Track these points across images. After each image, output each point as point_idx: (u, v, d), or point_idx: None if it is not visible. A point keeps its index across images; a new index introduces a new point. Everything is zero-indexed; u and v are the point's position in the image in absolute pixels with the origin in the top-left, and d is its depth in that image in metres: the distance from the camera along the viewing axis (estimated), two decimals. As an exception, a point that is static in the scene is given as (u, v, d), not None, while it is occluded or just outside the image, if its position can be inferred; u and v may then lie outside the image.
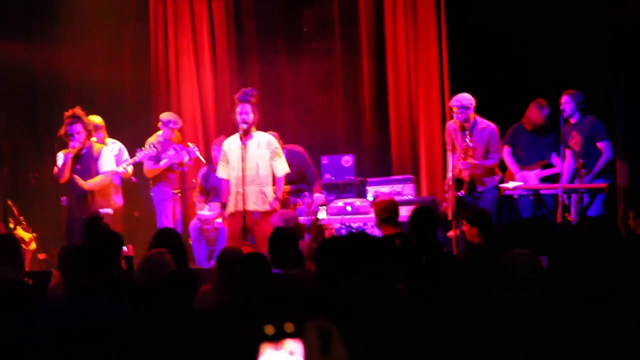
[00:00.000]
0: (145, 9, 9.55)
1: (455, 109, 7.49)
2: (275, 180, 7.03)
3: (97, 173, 7.26)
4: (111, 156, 7.56)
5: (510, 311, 3.75)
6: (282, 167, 7.06)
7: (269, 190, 6.98)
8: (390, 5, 9.11)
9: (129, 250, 6.09)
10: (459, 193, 7.31)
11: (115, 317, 3.86)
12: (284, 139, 7.88)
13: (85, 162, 7.23)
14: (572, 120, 7.35)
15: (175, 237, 5.43)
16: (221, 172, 7.15)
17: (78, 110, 7.17)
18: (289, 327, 2.09)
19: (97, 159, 7.27)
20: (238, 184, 6.87)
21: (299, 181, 7.96)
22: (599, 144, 7.22)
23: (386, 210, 5.87)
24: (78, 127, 7.12)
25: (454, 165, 7.41)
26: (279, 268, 4.69)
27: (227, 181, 7.07)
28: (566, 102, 7.28)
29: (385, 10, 9.13)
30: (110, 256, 5.12)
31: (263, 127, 7.24)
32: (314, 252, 4.43)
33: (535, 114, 7.75)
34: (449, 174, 7.48)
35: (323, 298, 3.96)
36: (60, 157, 7.20)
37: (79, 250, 4.18)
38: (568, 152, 7.36)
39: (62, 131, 7.17)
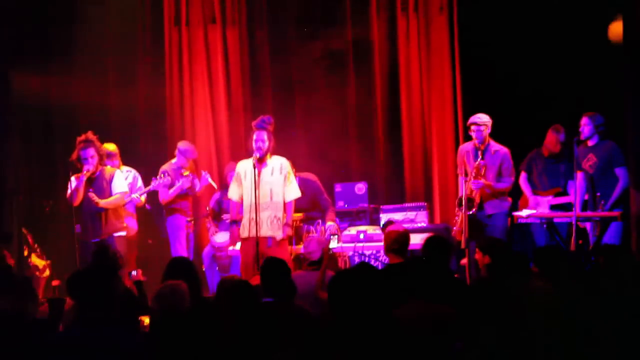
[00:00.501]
0: (161, 37, 9.64)
1: (474, 127, 7.50)
2: (285, 206, 7.07)
3: (111, 194, 7.35)
4: (123, 178, 7.65)
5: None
6: (293, 192, 7.09)
7: (283, 216, 7.02)
8: (404, 34, 9.17)
9: (139, 275, 6.11)
10: (470, 212, 7.29)
11: (127, 343, 3.88)
12: (297, 166, 7.91)
13: (98, 185, 7.33)
14: (590, 143, 7.33)
15: (189, 266, 5.46)
16: (233, 193, 7.20)
17: (90, 135, 7.27)
18: None
19: (109, 181, 7.38)
20: (251, 210, 6.90)
21: (311, 209, 7.98)
22: (617, 170, 7.19)
23: (397, 242, 5.86)
24: (91, 151, 7.21)
25: (466, 186, 7.40)
26: (271, 297, 4.72)
27: (236, 202, 7.14)
28: (585, 124, 7.27)
29: (399, 39, 9.20)
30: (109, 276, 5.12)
31: (277, 153, 7.27)
32: (327, 283, 4.43)
33: (551, 138, 7.79)
34: (460, 195, 7.47)
35: (322, 327, 3.97)
36: (72, 181, 7.26)
37: (83, 273, 4.21)
38: (580, 175, 7.34)
39: (74, 156, 7.26)
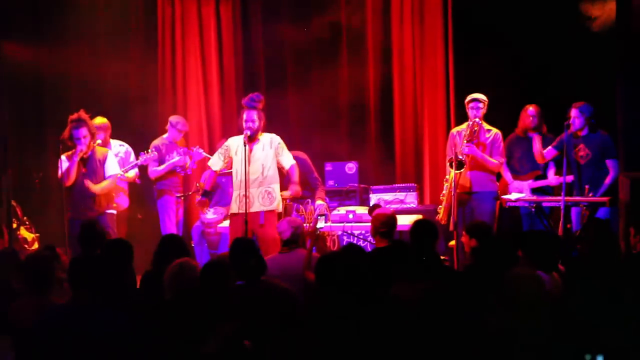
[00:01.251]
0: (153, 11, 9.59)
1: (472, 103, 7.57)
2: (286, 176, 7.17)
3: (104, 176, 7.33)
4: (115, 160, 7.61)
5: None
6: (289, 160, 7.19)
7: (276, 188, 7.09)
8: (398, 15, 9.12)
9: None
10: (459, 171, 7.31)
11: (118, 327, 3.90)
12: (288, 144, 7.90)
13: (91, 166, 7.28)
14: (581, 133, 7.36)
15: (180, 243, 5.47)
16: (213, 163, 7.27)
17: (83, 114, 7.20)
18: None
19: (103, 162, 7.34)
20: (242, 187, 6.91)
21: (301, 188, 7.98)
22: (608, 162, 7.26)
23: (386, 225, 5.88)
24: (83, 131, 7.15)
25: (458, 149, 7.42)
26: (242, 279, 4.69)
27: (214, 172, 7.26)
28: (576, 116, 7.30)
29: (392, 19, 9.14)
30: (122, 265, 5.16)
31: (268, 131, 7.29)
32: (315, 263, 4.45)
33: (521, 116, 7.87)
34: (447, 176, 7.49)
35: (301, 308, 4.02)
36: (63, 160, 7.22)
37: (89, 261, 4.20)
38: (570, 162, 7.39)
39: (66, 134, 7.19)
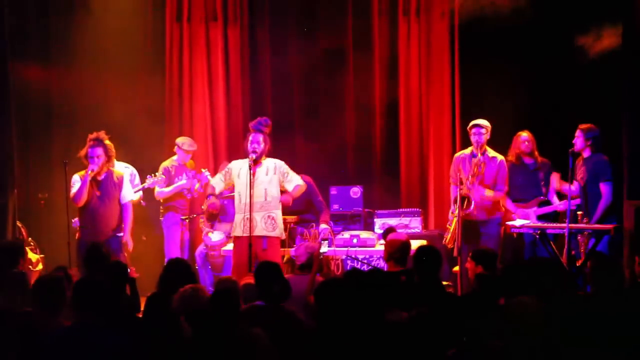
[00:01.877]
0: (162, 33, 9.64)
1: (474, 129, 7.60)
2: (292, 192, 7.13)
3: (119, 199, 7.36)
4: (130, 184, 7.64)
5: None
6: (296, 181, 7.13)
7: (278, 214, 7.05)
8: (405, 39, 9.16)
9: (132, 272, 6.15)
10: (467, 210, 7.32)
11: (118, 348, 3.92)
12: (293, 167, 7.91)
13: (106, 189, 7.30)
14: (585, 155, 7.36)
15: (186, 267, 5.48)
16: (215, 184, 7.27)
17: (102, 135, 7.26)
18: None
19: (119, 186, 7.37)
20: (246, 210, 6.91)
21: (306, 211, 7.99)
22: (601, 185, 7.20)
23: (399, 251, 5.89)
24: (99, 150, 7.20)
25: (462, 187, 7.44)
26: (263, 300, 4.76)
27: (213, 189, 7.24)
28: (577, 137, 7.31)
29: (400, 43, 9.19)
30: (116, 286, 5.19)
31: (274, 154, 7.29)
32: (316, 288, 4.46)
33: (514, 143, 7.90)
34: (452, 205, 7.49)
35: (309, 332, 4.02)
36: (75, 179, 7.24)
37: (91, 284, 4.23)
38: (576, 185, 7.38)
39: (82, 152, 7.25)
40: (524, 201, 7.86)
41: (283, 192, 7.12)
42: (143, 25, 9.71)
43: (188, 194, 8.43)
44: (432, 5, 9.13)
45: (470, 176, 7.50)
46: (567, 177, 7.16)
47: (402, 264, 5.87)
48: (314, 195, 8.05)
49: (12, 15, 8.27)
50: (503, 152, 7.80)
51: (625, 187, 7.01)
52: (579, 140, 7.30)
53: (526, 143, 7.85)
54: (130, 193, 7.53)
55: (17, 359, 4.17)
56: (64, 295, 4.58)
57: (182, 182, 8.29)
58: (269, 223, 6.98)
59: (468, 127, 7.72)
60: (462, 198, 7.34)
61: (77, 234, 7.45)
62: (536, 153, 7.87)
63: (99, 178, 7.26)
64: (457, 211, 7.27)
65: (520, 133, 7.92)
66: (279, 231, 7.05)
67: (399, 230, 8.01)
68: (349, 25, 9.36)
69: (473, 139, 7.62)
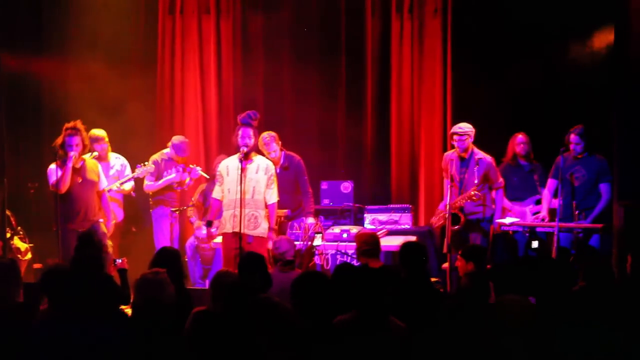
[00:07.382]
0: (154, 25, 9.62)
1: (456, 136, 7.54)
2: (268, 208, 7.08)
3: (98, 187, 7.40)
4: (103, 174, 7.64)
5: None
6: (274, 196, 7.09)
7: (262, 214, 7.03)
8: (397, 36, 9.18)
9: (124, 263, 6.13)
10: (454, 227, 7.38)
11: (100, 340, 3.91)
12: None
13: (85, 175, 7.30)
14: (580, 156, 7.40)
15: (176, 257, 5.46)
16: (216, 193, 7.21)
17: (79, 124, 7.25)
18: None
19: (97, 174, 7.42)
20: (235, 206, 6.90)
21: (296, 207, 7.96)
22: (602, 186, 7.28)
23: (368, 243, 5.86)
24: (77, 139, 7.20)
25: (455, 200, 7.46)
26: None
27: (219, 202, 7.14)
28: (577, 143, 7.34)
29: (392, 40, 9.21)
30: (92, 275, 5.11)
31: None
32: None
33: (511, 144, 7.95)
34: (445, 202, 7.51)
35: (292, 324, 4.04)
36: (53, 169, 7.22)
37: (59, 272, 4.23)
38: (551, 182, 7.46)
39: (59, 140, 7.22)
40: (520, 200, 7.89)
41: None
42: (135, 18, 9.69)
43: (178, 187, 8.42)
44: (425, 2, 9.14)
45: (461, 192, 7.51)
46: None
47: (376, 257, 5.86)
48: (301, 173, 7.93)
49: (2, 6, 8.22)
50: (495, 151, 7.80)
51: (615, 187, 7.04)
52: (579, 146, 7.34)
53: (522, 145, 7.87)
54: (105, 181, 7.56)
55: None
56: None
57: (171, 176, 8.28)
58: (252, 221, 6.95)
59: (449, 134, 7.72)
60: (453, 215, 7.36)
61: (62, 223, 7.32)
62: (531, 155, 7.90)
63: (77, 166, 7.26)
64: (445, 204, 7.33)
65: (516, 135, 7.95)
66: (261, 229, 7.00)
67: (388, 226, 8.09)
68: (342, 23, 9.36)
69: (456, 145, 7.59)
